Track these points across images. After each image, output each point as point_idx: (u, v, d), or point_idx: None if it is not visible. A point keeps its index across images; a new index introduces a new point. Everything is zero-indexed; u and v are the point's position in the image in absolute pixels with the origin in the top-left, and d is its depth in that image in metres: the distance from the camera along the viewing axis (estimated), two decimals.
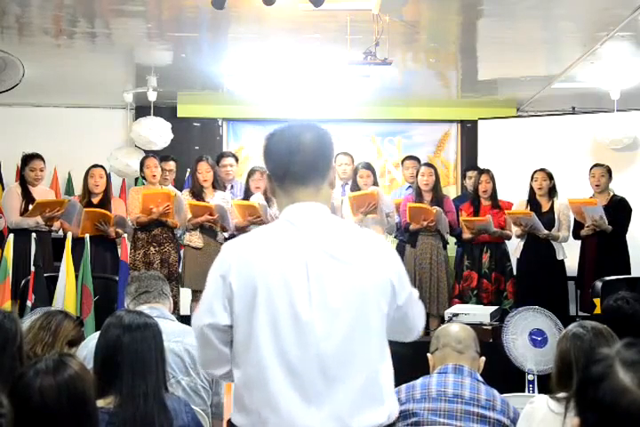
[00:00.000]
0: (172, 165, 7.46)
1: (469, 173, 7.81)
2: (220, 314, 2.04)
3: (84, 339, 3.19)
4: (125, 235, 6.49)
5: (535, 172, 6.84)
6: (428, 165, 7.19)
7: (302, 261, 2.01)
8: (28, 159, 6.77)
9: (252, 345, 2.00)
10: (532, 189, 6.82)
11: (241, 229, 6.71)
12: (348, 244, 2.07)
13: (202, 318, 2.07)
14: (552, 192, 6.82)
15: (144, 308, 3.28)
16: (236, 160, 7.43)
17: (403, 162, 7.80)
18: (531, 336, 4.68)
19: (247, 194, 6.87)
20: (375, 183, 6.96)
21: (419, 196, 6.93)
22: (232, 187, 7.26)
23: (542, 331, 4.68)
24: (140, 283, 3.44)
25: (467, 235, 6.82)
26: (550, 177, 6.80)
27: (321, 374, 1.98)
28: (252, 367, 2.00)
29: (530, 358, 4.63)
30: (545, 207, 6.76)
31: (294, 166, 2.08)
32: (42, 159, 6.76)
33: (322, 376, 1.98)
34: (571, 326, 2.76)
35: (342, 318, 1.99)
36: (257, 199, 6.68)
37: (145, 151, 7.85)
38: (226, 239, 6.80)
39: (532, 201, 6.80)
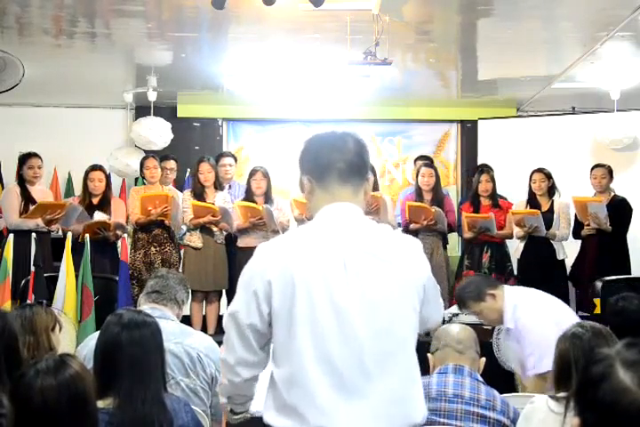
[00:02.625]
0: (172, 164, 7.46)
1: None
2: (256, 317, 2.07)
3: (57, 319, 3.19)
4: (125, 235, 6.49)
5: (533, 173, 6.83)
6: (429, 165, 7.20)
7: (340, 259, 2.04)
8: (25, 158, 6.76)
9: (293, 342, 2.01)
10: (530, 189, 6.82)
11: (242, 231, 6.72)
12: (386, 243, 2.11)
13: (241, 317, 2.09)
14: (551, 191, 6.82)
15: (146, 307, 3.28)
16: (235, 160, 7.43)
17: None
18: None
19: (248, 194, 6.87)
20: (375, 184, 6.96)
21: (419, 196, 6.94)
22: (230, 187, 7.26)
23: None
24: (158, 281, 3.42)
25: (468, 234, 6.82)
26: (548, 177, 6.80)
27: (360, 369, 2.00)
28: (291, 365, 2.02)
29: (511, 357, 4.63)
30: (545, 207, 6.76)
31: (339, 163, 2.14)
32: (39, 157, 6.76)
33: (361, 372, 2.00)
34: (570, 326, 2.76)
35: (381, 312, 2.03)
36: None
37: (145, 151, 7.85)
38: (226, 239, 6.81)
39: (532, 201, 6.80)
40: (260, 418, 2.11)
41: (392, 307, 2.04)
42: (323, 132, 2.24)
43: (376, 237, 2.11)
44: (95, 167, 6.72)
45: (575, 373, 2.56)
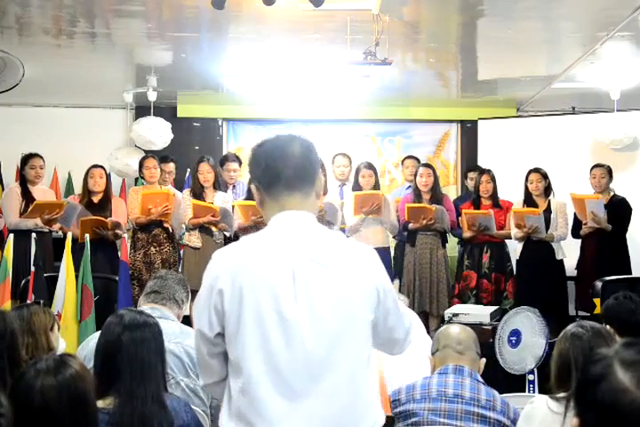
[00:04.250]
0: (171, 166, 7.47)
1: (471, 175, 7.81)
2: (206, 325, 2.08)
3: (55, 319, 3.19)
4: (125, 235, 6.49)
5: (529, 173, 6.83)
6: (427, 165, 7.20)
7: (289, 267, 2.02)
8: (27, 158, 6.79)
9: (243, 353, 2.01)
10: (527, 189, 6.83)
11: (244, 230, 6.72)
12: (335, 251, 2.08)
13: (196, 324, 2.12)
14: (547, 191, 6.82)
15: (146, 307, 3.28)
16: (240, 164, 7.46)
17: (403, 161, 7.82)
18: (509, 337, 4.67)
19: (250, 194, 6.87)
20: (377, 183, 6.97)
21: (417, 196, 6.95)
22: (234, 187, 7.28)
23: (519, 331, 4.67)
24: (157, 281, 3.42)
25: (467, 233, 6.82)
26: (544, 177, 6.80)
27: (308, 379, 1.99)
28: (242, 375, 2.02)
29: (507, 358, 4.63)
30: (541, 207, 6.76)
31: (284, 172, 2.11)
32: (41, 157, 6.78)
33: (309, 381, 1.99)
34: (570, 326, 2.76)
35: (328, 322, 2.00)
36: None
37: (145, 151, 7.85)
38: (226, 239, 6.81)
39: (528, 202, 6.81)
40: None
41: (338, 317, 2.01)
42: (269, 139, 2.24)
43: (325, 245, 2.08)
44: (96, 166, 6.75)
45: (575, 373, 2.56)
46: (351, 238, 2.23)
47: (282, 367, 1.98)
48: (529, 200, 6.81)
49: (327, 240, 2.11)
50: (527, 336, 4.62)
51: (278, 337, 1.99)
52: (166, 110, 8.46)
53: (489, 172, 6.99)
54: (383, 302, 2.10)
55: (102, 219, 6.46)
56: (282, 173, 2.11)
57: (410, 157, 7.76)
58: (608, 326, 3.27)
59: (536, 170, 6.82)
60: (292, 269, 2.02)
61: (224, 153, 8.29)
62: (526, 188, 6.82)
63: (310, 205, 2.15)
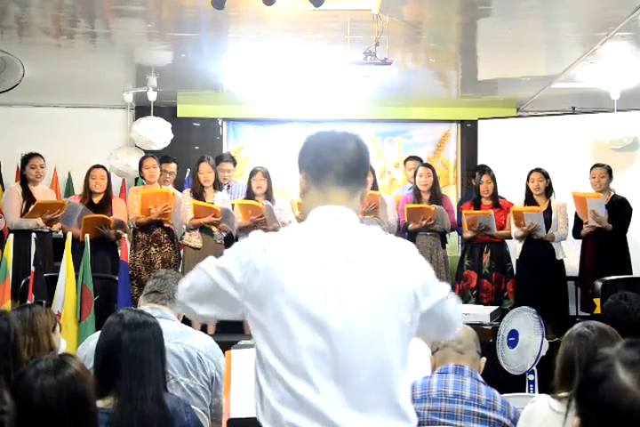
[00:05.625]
0: (172, 166, 7.47)
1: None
2: (234, 265, 2.01)
3: (56, 319, 3.19)
4: (125, 235, 6.49)
5: (531, 172, 6.84)
6: (427, 165, 7.21)
7: (322, 266, 1.97)
8: (27, 158, 6.79)
9: (263, 344, 1.98)
10: (528, 189, 6.83)
11: (243, 230, 6.73)
12: (372, 252, 2.03)
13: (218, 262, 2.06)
14: (548, 191, 6.82)
15: (146, 307, 3.28)
16: (234, 164, 7.46)
17: (405, 162, 7.81)
18: (508, 338, 4.68)
19: (249, 194, 6.88)
20: (374, 183, 6.96)
21: (417, 196, 6.95)
22: (229, 187, 7.28)
23: (517, 332, 4.67)
24: (156, 281, 3.42)
25: (467, 234, 6.82)
26: (546, 177, 6.80)
27: (331, 376, 1.93)
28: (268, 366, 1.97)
29: (506, 358, 4.64)
30: (542, 207, 6.77)
31: (337, 165, 2.07)
32: (41, 157, 6.78)
33: (332, 379, 1.93)
34: (576, 326, 2.75)
35: (357, 324, 1.95)
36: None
37: (145, 151, 7.85)
38: (225, 239, 6.81)
39: (530, 201, 6.81)
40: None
41: (370, 320, 1.96)
42: (324, 131, 2.18)
43: (362, 245, 2.03)
44: (97, 166, 6.76)
45: (578, 373, 2.55)
46: (391, 235, 2.16)
47: (306, 364, 1.93)
48: (530, 200, 6.81)
49: (365, 240, 2.05)
50: (525, 336, 4.62)
51: (303, 334, 1.94)
52: (166, 110, 8.46)
53: (489, 172, 6.99)
54: (421, 301, 2.04)
55: (105, 217, 6.46)
56: (333, 166, 2.07)
57: (412, 157, 7.76)
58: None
59: (538, 169, 6.83)
60: (326, 267, 1.97)
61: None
62: (527, 187, 6.83)
63: (355, 204, 2.10)
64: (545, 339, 4.62)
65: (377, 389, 1.96)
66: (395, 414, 1.97)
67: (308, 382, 1.92)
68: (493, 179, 6.92)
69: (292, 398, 1.92)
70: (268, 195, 6.84)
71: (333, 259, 1.98)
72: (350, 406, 1.93)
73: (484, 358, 2.98)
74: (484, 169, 7.12)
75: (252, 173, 6.92)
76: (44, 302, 3.60)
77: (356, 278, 1.98)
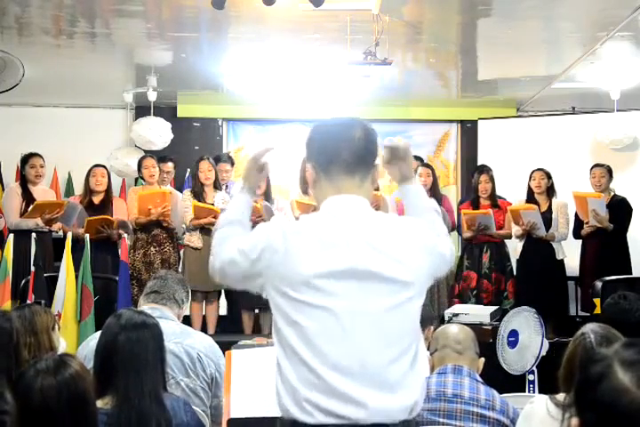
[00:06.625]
0: (170, 166, 7.47)
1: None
2: (253, 250, 2.04)
3: (54, 319, 3.19)
4: (126, 235, 6.49)
5: (533, 171, 6.86)
6: (426, 165, 7.21)
7: (345, 248, 2.00)
8: (27, 157, 6.78)
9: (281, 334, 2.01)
10: (529, 188, 6.83)
11: None
12: (389, 237, 2.06)
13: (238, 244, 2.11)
14: (550, 192, 6.83)
15: (146, 307, 3.28)
16: (232, 164, 7.47)
17: None
18: (508, 338, 4.68)
19: None
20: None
21: None
22: (227, 187, 7.28)
23: (517, 332, 4.67)
24: (157, 281, 3.42)
25: (467, 233, 6.82)
26: (548, 176, 6.81)
27: (348, 356, 1.96)
28: (289, 347, 2.00)
29: (506, 358, 4.64)
30: (543, 207, 6.77)
31: (344, 154, 2.08)
32: (41, 157, 6.78)
33: (357, 363, 1.96)
34: (582, 328, 2.75)
35: (377, 307, 1.99)
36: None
37: (145, 151, 7.85)
38: None
39: (530, 200, 6.81)
40: (262, 419, 2.09)
41: (389, 304, 2.00)
42: (329, 120, 2.19)
43: (380, 230, 2.06)
44: (98, 165, 6.78)
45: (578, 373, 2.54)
46: (403, 217, 2.19)
47: (325, 347, 1.96)
48: (531, 199, 6.81)
49: (383, 225, 2.08)
50: (525, 336, 4.62)
51: (324, 317, 1.97)
52: (166, 110, 8.46)
53: (488, 171, 6.99)
54: (434, 256, 2.11)
55: (109, 217, 6.46)
56: (341, 155, 2.08)
57: (412, 157, 7.74)
58: None
59: (540, 169, 6.85)
60: (348, 250, 2.00)
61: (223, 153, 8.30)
62: (529, 187, 6.83)
63: (365, 191, 2.13)
64: (545, 339, 4.62)
65: (392, 368, 1.99)
66: (397, 388, 2.01)
67: (332, 364, 1.95)
68: (492, 179, 6.92)
69: (315, 379, 1.96)
70: (267, 195, 6.84)
71: (355, 244, 2.01)
72: (369, 384, 1.97)
73: (483, 359, 2.99)
74: (483, 169, 7.11)
75: None
76: (43, 301, 3.61)
77: (377, 263, 2.01)
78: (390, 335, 2.00)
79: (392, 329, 2.00)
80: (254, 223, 7.25)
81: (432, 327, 3.26)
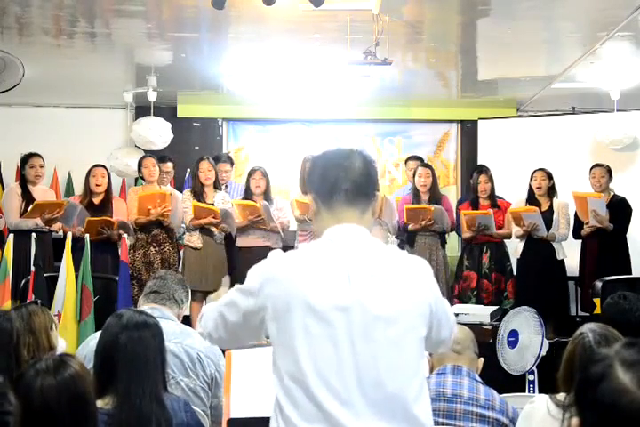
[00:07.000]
0: (169, 166, 7.48)
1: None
2: (255, 286, 2.05)
3: (52, 318, 3.19)
4: (126, 235, 6.49)
5: (535, 171, 6.86)
6: (426, 165, 7.21)
7: (346, 278, 1.99)
8: (27, 158, 6.78)
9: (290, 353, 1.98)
10: (530, 188, 6.84)
11: (241, 230, 6.73)
12: (391, 267, 2.05)
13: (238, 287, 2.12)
14: (551, 192, 6.83)
15: (146, 307, 3.28)
16: (232, 164, 7.46)
17: (406, 162, 7.81)
18: (508, 338, 4.68)
19: (247, 193, 6.89)
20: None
21: (416, 197, 6.95)
22: (226, 187, 7.28)
23: (517, 332, 4.67)
24: (156, 281, 3.43)
25: (467, 234, 6.81)
26: (550, 177, 6.81)
27: (354, 384, 1.94)
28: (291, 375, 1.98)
29: (506, 358, 4.64)
30: (544, 207, 6.77)
31: (345, 184, 2.08)
32: (41, 157, 6.78)
33: (355, 386, 1.94)
34: (581, 328, 2.75)
35: (380, 337, 1.97)
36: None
37: (145, 151, 7.86)
38: (225, 239, 6.82)
39: (531, 200, 6.81)
40: (262, 419, 2.08)
41: (392, 332, 1.98)
42: (329, 151, 2.17)
43: (381, 260, 2.05)
44: (98, 165, 6.78)
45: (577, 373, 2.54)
46: (404, 251, 2.19)
47: (330, 377, 1.94)
48: (532, 199, 6.81)
49: (383, 255, 2.08)
50: (525, 336, 4.62)
51: (327, 347, 1.95)
52: (166, 110, 8.46)
53: (487, 171, 6.98)
54: (436, 316, 2.09)
55: (109, 218, 6.46)
56: (342, 186, 2.08)
57: (413, 157, 7.76)
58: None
59: (541, 169, 6.85)
60: (349, 281, 1.99)
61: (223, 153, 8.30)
62: (530, 187, 6.83)
63: (366, 221, 2.12)
64: (545, 339, 4.62)
65: (397, 399, 1.97)
66: (411, 422, 1.99)
67: (334, 395, 1.93)
68: (491, 179, 6.92)
69: (317, 411, 1.93)
70: (267, 194, 6.84)
71: (356, 274, 2.00)
72: (373, 417, 1.95)
73: (482, 359, 2.99)
74: (482, 169, 7.11)
75: (251, 173, 6.93)
76: (39, 301, 3.61)
77: (378, 291, 1.99)
78: (393, 366, 1.98)
79: (395, 360, 1.99)
80: (253, 223, 7.24)
81: None
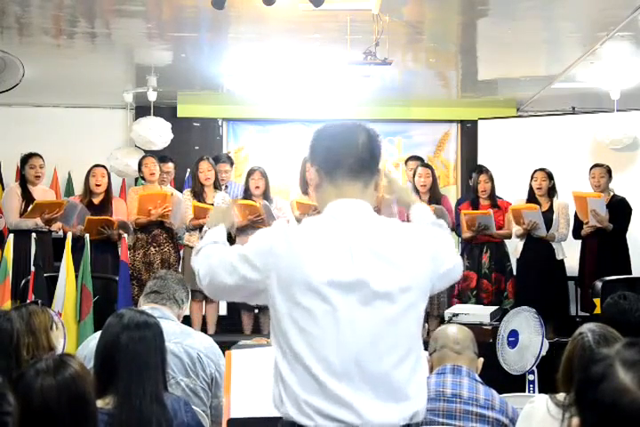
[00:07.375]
0: (170, 166, 7.47)
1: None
2: (257, 257, 2.04)
3: (52, 318, 3.19)
4: (126, 235, 6.49)
5: (535, 171, 6.86)
6: (425, 165, 7.20)
7: (348, 254, 2.00)
8: (26, 158, 6.78)
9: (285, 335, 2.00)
10: (531, 188, 6.83)
11: (240, 230, 6.73)
12: (391, 243, 2.06)
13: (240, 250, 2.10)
14: (551, 192, 6.83)
15: (146, 307, 3.28)
16: (232, 164, 7.45)
17: (406, 162, 7.81)
18: (508, 338, 4.68)
19: (247, 194, 6.89)
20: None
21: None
22: (226, 187, 7.28)
23: (517, 332, 4.68)
24: (157, 281, 3.42)
25: (467, 234, 6.81)
26: (550, 177, 6.81)
27: (351, 360, 1.96)
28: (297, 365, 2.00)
29: (506, 358, 4.64)
30: (544, 207, 6.77)
31: (349, 159, 2.08)
32: (40, 157, 6.78)
33: (352, 363, 1.96)
34: (580, 328, 2.75)
35: (379, 314, 1.99)
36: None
37: (145, 151, 7.86)
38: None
39: (532, 201, 6.81)
40: (262, 419, 2.09)
41: (394, 309, 2.00)
42: (333, 124, 2.18)
43: (383, 236, 2.06)
44: (98, 165, 6.77)
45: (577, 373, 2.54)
46: (406, 223, 2.21)
47: (329, 352, 1.96)
48: (532, 199, 6.81)
49: (385, 230, 2.08)
50: (525, 336, 4.62)
51: (328, 322, 1.97)
52: (166, 110, 8.46)
53: (487, 171, 6.98)
54: (437, 283, 2.15)
55: (110, 218, 6.46)
56: (345, 160, 2.08)
57: (413, 157, 7.76)
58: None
59: (542, 169, 6.85)
60: (352, 257, 1.99)
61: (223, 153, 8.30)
62: (530, 187, 6.83)
63: (369, 196, 2.13)
64: (545, 339, 4.62)
65: (390, 376, 1.99)
66: (400, 396, 2.01)
67: (331, 370, 1.95)
68: (491, 179, 6.91)
69: (313, 383, 1.95)
70: (266, 194, 6.84)
71: (359, 251, 2.01)
72: (369, 392, 1.97)
73: (482, 359, 2.99)
74: (482, 169, 7.11)
75: (250, 173, 6.93)
76: (40, 301, 3.61)
77: (381, 270, 2.01)
78: (390, 343, 2.00)
79: (392, 337, 2.00)
80: (252, 223, 7.26)
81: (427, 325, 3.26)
